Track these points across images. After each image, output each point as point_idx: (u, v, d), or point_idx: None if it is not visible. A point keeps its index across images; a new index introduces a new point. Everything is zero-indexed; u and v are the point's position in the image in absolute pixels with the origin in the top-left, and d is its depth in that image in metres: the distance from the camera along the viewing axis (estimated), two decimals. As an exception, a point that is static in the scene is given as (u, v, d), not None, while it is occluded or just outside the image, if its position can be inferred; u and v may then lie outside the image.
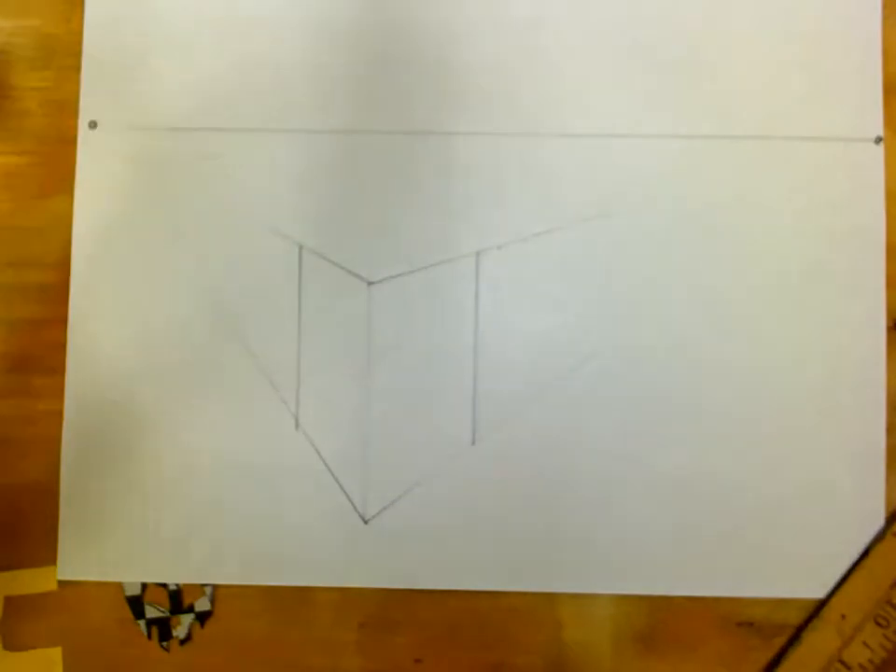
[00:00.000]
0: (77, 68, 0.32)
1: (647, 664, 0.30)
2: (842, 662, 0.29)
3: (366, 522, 0.31)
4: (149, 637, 0.31)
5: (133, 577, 0.31)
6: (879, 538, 0.30)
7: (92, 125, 0.31)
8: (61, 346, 0.31)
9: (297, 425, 0.31)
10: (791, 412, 0.30)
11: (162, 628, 0.31)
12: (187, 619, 0.31)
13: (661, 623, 0.30)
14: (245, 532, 0.31)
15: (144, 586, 0.31)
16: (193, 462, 0.31)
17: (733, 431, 0.30)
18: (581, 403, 0.31)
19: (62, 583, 0.31)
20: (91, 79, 0.32)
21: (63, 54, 0.32)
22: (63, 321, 0.31)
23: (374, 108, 0.31)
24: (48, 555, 0.31)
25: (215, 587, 0.31)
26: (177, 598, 0.31)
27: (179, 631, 0.31)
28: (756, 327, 0.31)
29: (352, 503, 0.31)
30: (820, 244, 0.31)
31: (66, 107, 0.32)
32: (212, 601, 0.31)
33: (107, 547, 0.31)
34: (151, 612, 0.31)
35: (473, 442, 0.31)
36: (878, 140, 0.31)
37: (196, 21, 0.32)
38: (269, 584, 0.31)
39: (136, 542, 0.31)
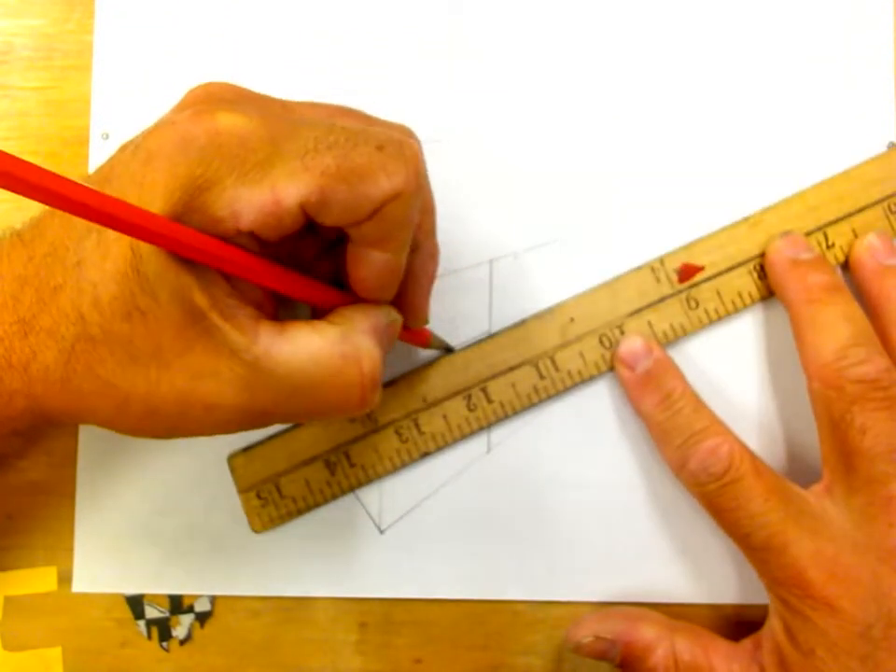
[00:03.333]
0: (78, 68, 0.32)
1: (646, 664, 0.30)
2: (553, 360, 0.30)
3: (382, 532, 0.31)
4: (149, 637, 0.31)
5: (145, 588, 0.31)
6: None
7: (105, 136, 0.31)
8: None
9: None
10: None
11: (162, 628, 0.31)
12: (187, 619, 0.31)
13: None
14: (258, 544, 0.31)
15: (144, 586, 0.31)
16: (205, 473, 0.31)
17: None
18: (596, 413, 0.31)
19: (62, 584, 0.31)
20: (103, 90, 0.31)
21: (64, 54, 0.32)
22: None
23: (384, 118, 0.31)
24: (47, 555, 0.31)
25: (215, 587, 0.31)
26: (177, 599, 0.31)
27: (179, 631, 0.31)
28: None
29: (368, 513, 0.31)
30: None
31: (68, 108, 0.32)
32: (212, 601, 0.31)
33: (122, 559, 0.31)
34: (151, 612, 0.31)
35: (488, 451, 0.31)
36: (891, 146, 0.31)
37: (212, 30, 0.32)
38: (284, 596, 0.31)
39: (150, 554, 0.31)
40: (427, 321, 0.28)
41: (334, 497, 0.30)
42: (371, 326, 0.24)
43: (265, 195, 0.21)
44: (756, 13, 0.31)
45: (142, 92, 0.31)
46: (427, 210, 0.26)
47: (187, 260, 0.21)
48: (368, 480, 0.30)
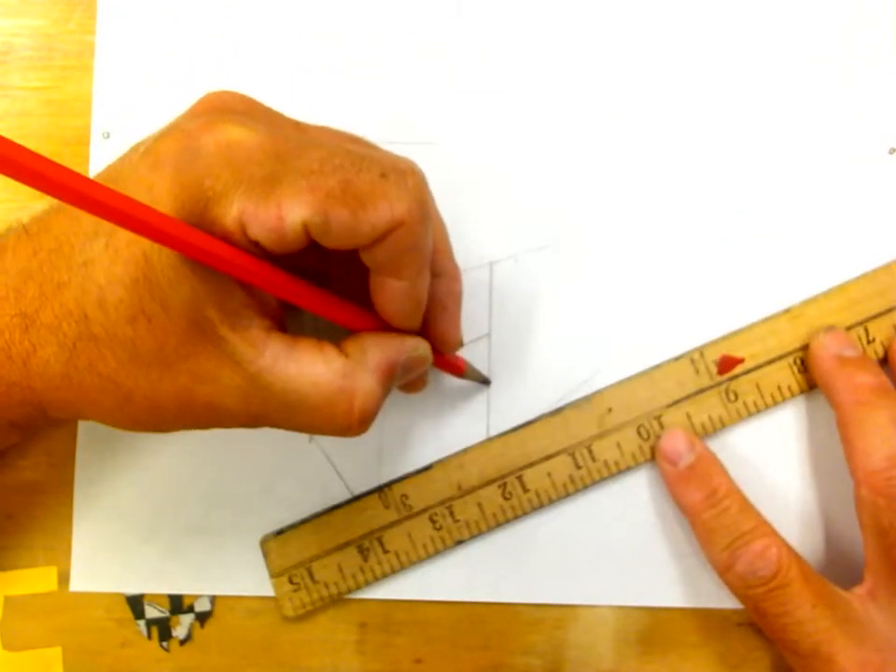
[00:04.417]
0: (79, 68, 0.32)
1: (647, 664, 0.30)
2: (590, 450, 0.30)
3: None
4: (149, 637, 0.31)
5: (145, 588, 0.31)
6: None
7: (106, 135, 0.31)
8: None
9: (311, 436, 0.31)
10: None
11: (162, 628, 0.31)
12: (187, 619, 0.31)
13: (661, 623, 0.31)
14: (258, 544, 0.31)
15: (144, 586, 0.31)
16: (204, 473, 0.31)
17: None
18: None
19: (62, 583, 0.31)
20: (104, 89, 0.31)
21: (64, 54, 0.32)
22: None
23: (384, 120, 0.31)
24: (47, 555, 0.31)
25: (215, 587, 0.31)
26: (177, 598, 0.31)
27: (179, 631, 0.31)
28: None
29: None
30: (834, 254, 0.31)
31: (68, 108, 0.32)
32: (212, 601, 0.31)
33: (122, 559, 0.31)
34: (151, 612, 0.31)
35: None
36: (892, 151, 0.31)
37: (213, 30, 0.32)
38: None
39: (149, 554, 0.31)
40: (458, 346, 0.28)
41: (367, 583, 0.30)
42: (382, 361, 0.24)
43: (270, 211, 0.21)
44: (756, 14, 0.31)
45: (143, 91, 0.31)
46: (440, 236, 0.26)
47: (202, 271, 0.21)
48: (401, 566, 0.30)
